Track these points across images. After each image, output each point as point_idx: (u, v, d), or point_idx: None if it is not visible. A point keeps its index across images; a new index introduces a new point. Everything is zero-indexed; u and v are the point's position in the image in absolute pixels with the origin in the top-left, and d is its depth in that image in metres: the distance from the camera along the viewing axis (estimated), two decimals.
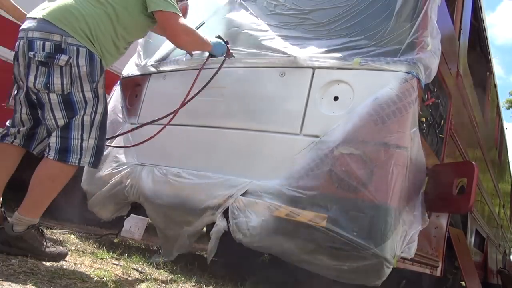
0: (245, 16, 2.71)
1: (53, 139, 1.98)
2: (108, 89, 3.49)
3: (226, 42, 2.58)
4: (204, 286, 2.23)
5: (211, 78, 2.57)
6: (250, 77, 2.57)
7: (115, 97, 3.43)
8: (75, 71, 1.95)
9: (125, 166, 2.94)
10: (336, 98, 2.23)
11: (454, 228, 3.56)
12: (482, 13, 4.24)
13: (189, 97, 2.55)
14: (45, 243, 2.04)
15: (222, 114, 2.60)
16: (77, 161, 1.98)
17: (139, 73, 3.31)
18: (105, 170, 3.06)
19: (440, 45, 2.27)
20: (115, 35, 2.10)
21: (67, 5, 1.97)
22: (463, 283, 4.13)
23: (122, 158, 3.02)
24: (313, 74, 2.32)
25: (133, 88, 3.31)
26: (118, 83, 3.46)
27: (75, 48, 1.94)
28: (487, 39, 4.67)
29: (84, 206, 3.34)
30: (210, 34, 2.89)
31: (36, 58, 1.91)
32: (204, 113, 2.69)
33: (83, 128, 1.99)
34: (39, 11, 2.00)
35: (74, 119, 1.97)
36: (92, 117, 2.02)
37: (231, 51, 2.58)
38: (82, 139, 1.98)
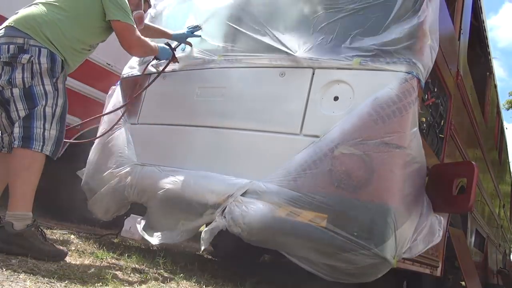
0: (245, 16, 2.71)
1: (16, 130, 2.08)
2: (108, 89, 3.53)
3: (173, 49, 2.84)
4: (204, 286, 2.23)
5: (152, 81, 2.92)
6: (250, 77, 2.57)
7: (115, 97, 3.43)
8: (36, 68, 2.11)
9: (125, 166, 2.94)
10: (336, 98, 2.23)
11: (454, 228, 3.56)
12: (482, 13, 4.24)
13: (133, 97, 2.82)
14: (45, 242, 2.06)
15: (222, 114, 2.60)
16: (40, 148, 2.07)
17: (139, 73, 3.31)
18: (105, 170, 3.06)
19: (438, 44, 2.27)
20: (76, 39, 2.28)
21: (31, 12, 2.19)
22: (463, 283, 4.13)
23: (122, 158, 3.02)
24: (313, 74, 2.32)
25: (133, 88, 3.31)
26: (118, 83, 3.47)
27: (36, 48, 2.11)
28: (487, 39, 4.67)
29: (84, 206, 3.34)
30: (209, 34, 2.90)
31: (1, 60, 2.09)
32: (204, 113, 2.69)
33: (45, 118, 2.11)
34: (8, 20, 2.20)
35: (36, 109, 2.09)
36: (53, 109, 2.14)
37: (176, 56, 2.85)
38: (44, 129, 2.10)
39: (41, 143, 2.08)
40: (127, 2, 2.41)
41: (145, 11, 2.83)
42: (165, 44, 2.83)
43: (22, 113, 2.09)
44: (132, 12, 2.47)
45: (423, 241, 2.31)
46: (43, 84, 2.12)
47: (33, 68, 2.09)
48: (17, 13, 2.23)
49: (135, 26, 2.43)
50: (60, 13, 2.21)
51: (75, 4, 2.28)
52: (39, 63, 2.10)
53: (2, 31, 2.15)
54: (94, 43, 2.45)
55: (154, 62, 3.04)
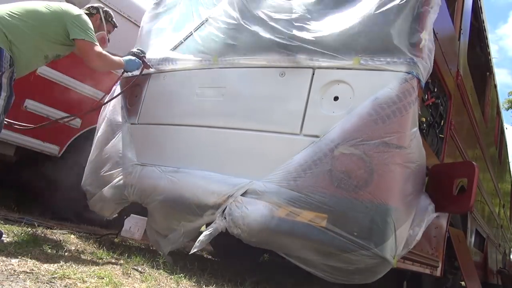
0: (245, 16, 2.71)
1: None
2: (108, 89, 3.53)
3: (141, 57, 2.94)
4: (204, 286, 2.23)
5: (128, 86, 3.02)
6: (250, 77, 2.57)
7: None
8: None
9: (125, 166, 2.94)
10: (336, 98, 2.23)
11: (454, 228, 3.56)
12: (482, 13, 4.25)
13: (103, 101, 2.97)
14: None
15: (222, 114, 2.60)
16: None
17: (138, 73, 3.31)
18: (106, 170, 3.06)
19: (439, 45, 2.27)
20: (38, 48, 2.52)
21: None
22: (463, 283, 4.13)
23: (122, 158, 3.02)
24: (313, 74, 2.32)
25: (133, 88, 3.31)
26: (118, 83, 3.47)
27: None
28: (487, 39, 4.67)
29: (84, 206, 3.35)
30: (210, 34, 2.90)
31: None
32: (204, 113, 2.69)
33: None
34: None
35: None
36: None
37: (147, 63, 2.96)
38: None
39: None
40: (90, 23, 2.63)
41: (109, 32, 3.01)
42: (132, 54, 2.95)
43: None
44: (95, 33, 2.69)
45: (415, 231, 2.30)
46: None
47: None
48: None
49: (96, 43, 2.63)
50: (22, 19, 2.44)
51: (38, 16, 2.50)
52: None
53: None
54: (50, 54, 2.62)
55: (126, 74, 3.09)
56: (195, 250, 2.36)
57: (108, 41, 3.05)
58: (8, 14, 2.42)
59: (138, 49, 3.05)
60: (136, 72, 3.08)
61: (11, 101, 2.39)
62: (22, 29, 2.42)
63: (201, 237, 2.34)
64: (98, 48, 2.64)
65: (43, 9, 2.54)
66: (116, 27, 3.14)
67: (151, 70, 3.14)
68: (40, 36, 2.50)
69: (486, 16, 4.38)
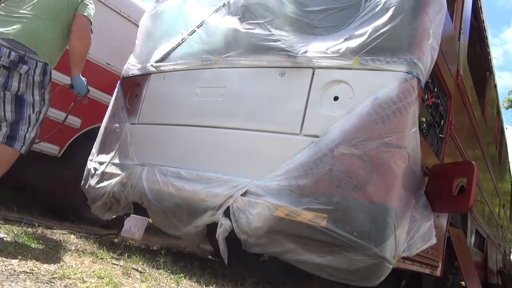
0: (245, 16, 2.71)
1: (4, 128, 2.39)
2: (111, 89, 3.53)
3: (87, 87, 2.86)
4: (204, 286, 2.23)
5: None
6: (250, 77, 2.57)
7: (114, 97, 3.44)
8: (31, 79, 2.41)
9: (125, 166, 2.94)
10: (336, 98, 2.23)
11: (454, 228, 3.56)
12: (482, 13, 4.24)
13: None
14: None
15: (222, 114, 2.60)
16: (19, 148, 2.42)
17: (139, 73, 3.31)
18: (106, 170, 3.06)
19: (439, 45, 2.27)
20: (59, 51, 2.63)
21: (31, 28, 2.45)
22: (463, 283, 4.13)
23: (122, 158, 3.02)
24: (313, 74, 2.32)
25: (133, 88, 3.31)
26: (118, 83, 3.47)
27: (34, 61, 2.41)
28: (487, 39, 4.66)
29: (84, 206, 3.35)
30: (210, 34, 2.89)
31: (0, 62, 2.32)
32: (204, 113, 2.69)
33: (29, 123, 2.44)
34: (4, 32, 2.41)
35: (23, 114, 2.41)
36: (37, 116, 2.48)
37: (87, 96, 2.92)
38: (27, 131, 2.43)
39: (22, 144, 2.42)
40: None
41: None
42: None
43: (9, 115, 2.38)
44: None
45: (422, 240, 2.31)
46: (33, 95, 2.44)
47: (28, 79, 2.39)
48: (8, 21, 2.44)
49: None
50: (51, 29, 2.51)
51: (59, 15, 2.56)
52: (34, 75, 2.40)
53: (3, 41, 2.37)
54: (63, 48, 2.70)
55: (73, 90, 2.83)
56: (226, 258, 2.38)
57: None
58: (45, 25, 2.49)
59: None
60: None
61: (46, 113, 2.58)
62: (56, 41, 2.55)
63: (220, 247, 2.34)
64: (89, 29, 2.69)
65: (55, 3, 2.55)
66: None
67: (152, 69, 3.14)
68: (62, 38, 2.60)
69: (486, 16, 4.38)
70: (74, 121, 3.67)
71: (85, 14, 2.60)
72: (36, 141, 2.74)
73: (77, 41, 2.62)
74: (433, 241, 2.45)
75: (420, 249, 2.32)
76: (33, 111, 2.44)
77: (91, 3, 2.70)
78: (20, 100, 2.40)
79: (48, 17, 2.51)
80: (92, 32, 2.75)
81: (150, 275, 2.17)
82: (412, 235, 2.22)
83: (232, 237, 2.32)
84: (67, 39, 2.63)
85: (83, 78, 2.81)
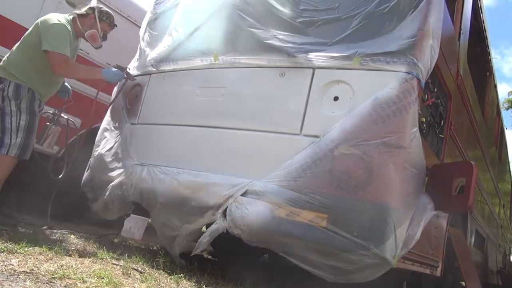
0: (245, 16, 2.71)
1: None
2: (107, 88, 3.54)
3: (124, 68, 3.17)
4: (204, 286, 2.23)
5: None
6: (250, 77, 2.57)
7: (115, 97, 3.44)
8: (5, 94, 2.80)
9: (125, 166, 2.94)
10: (336, 98, 2.23)
11: (454, 228, 3.56)
12: (482, 13, 4.24)
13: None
14: None
15: (222, 114, 2.60)
16: (5, 152, 2.73)
17: (139, 73, 3.31)
18: (106, 170, 3.06)
19: (439, 45, 2.27)
20: (38, 73, 2.88)
21: (8, 58, 2.87)
22: (463, 283, 4.13)
23: (122, 158, 3.02)
24: (313, 74, 2.32)
25: (133, 88, 3.31)
26: (118, 85, 3.47)
27: (7, 81, 2.81)
28: (487, 39, 4.67)
29: (84, 206, 3.34)
30: (211, 34, 2.90)
31: None
32: (204, 113, 2.69)
33: (11, 129, 2.78)
34: None
35: (5, 123, 2.78)
36: (17, 123, 2.79)
37: (131, 75, 3.17)
38: (10, 138, 2.76)
39: (7, 149, 2.73)
40: (61, 32, 2.86)
41: (105, 31, 3.16)
42: (115, 67, 3.16)
43: None
44: (86, 31, 3.03)
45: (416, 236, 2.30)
46: (10, 106, 2.80)
47: (3, 94, 2.79)
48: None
49: (63, 53, 2.86)
50: (26, 55, 2.85)
51: (32, 41, 2.84)
52: (7, 91, 2.79)
53: None
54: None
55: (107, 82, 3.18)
56: (196, 251, 2.36)
57: (105, 39, 3.17)
58: (13, 52, 2.87)
59: (118, 65, 3.25)
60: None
61: (35, 119, 2.86)
62: (26, 65, 2.85)
63: (201, 239, 2.34)
64: (62, 56, 2.85)
65: (30, 34, 2.88)
66: (114, 26, 3.22)
67: (152, 69, 3.14)
68: (36, 64, 2.86)
69: (486, 16, 4.38)
70: (75, 120, 3.67)
71: (47, 49, 2.81)
72: (42, 145, 3.14)
73: (60, 75, 3.01)
74: (417, 237, 2.41)
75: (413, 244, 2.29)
76: (13, 120, 2.79)
77: (46, 31, 2.82)
78: (2, 114, 2.79)
79: (21, 47, 2.88)
80: (99, 39, 3.08)
81: (150, 275, 2.18)
82: (412, 234, 2.21)
83: (232, 237, 2.32)
84: (46, 63, 2.88)
85: (112, 69, 3.16)
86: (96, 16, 3.07)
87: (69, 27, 2.94)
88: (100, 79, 3.12)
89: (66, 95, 3.29)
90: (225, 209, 2.30)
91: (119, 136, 3.15)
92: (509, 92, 23.17)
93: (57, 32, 2.85)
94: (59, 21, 2.88)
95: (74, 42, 3.06)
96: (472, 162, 2.44)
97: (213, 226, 2.31)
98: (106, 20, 3.13)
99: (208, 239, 2.32)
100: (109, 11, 3.17)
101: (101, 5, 3.18)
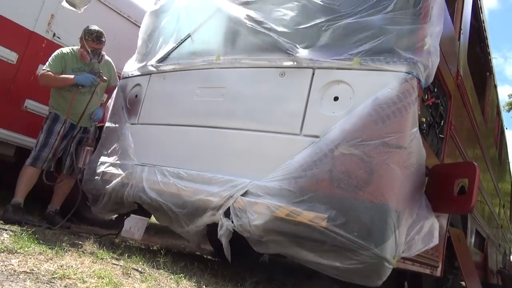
0: (245, 16, 2.71)
1: None
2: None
3: (97, 73, 3.32)
4: (204, 286, 2.23)
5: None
6: (250, 77, 2.57)
7: (115, 97, 3.44)
8: None
9: (125, 167, 2.94)
10: (336, 98, 2.23)
11: (454, 228, 3.56)
12: (482, 13, 4.24)
13: None
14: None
15: (222, 114, 2.60)
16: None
17: (139, 73, 3.31)
18: (106, 170, 3.06)
19: (439, 45, 2.27)
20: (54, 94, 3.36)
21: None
22: (463, 283, 4.13)
23: (123, 158, 3.02)
24: (313, 74, 2.32)
25: (133, 88, 3.31)
26: (119, 83, 3.47)
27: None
28: (487, 39, 4.66)
29: (84, 206, 3.34)
30: (211, 34, 2.89)
31: None
32: (204, 113, 2.69)
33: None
34: None
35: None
36: (38, 139, 3.25)
37: (103, 77, 3.35)
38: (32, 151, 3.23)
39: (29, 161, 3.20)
40: (54, 55, 3.29)
41: (92, 47, 3.31)
42: (88, 72, 3.33)
43: None
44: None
45: (422, 241, 2.31)
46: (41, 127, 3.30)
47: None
48: None
49: (45, 69, 3.24)
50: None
51: None
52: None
53: None
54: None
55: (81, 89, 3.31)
56: (229, 257, 2.36)
57: (97, 54, 3.36)
58: None
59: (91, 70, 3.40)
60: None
61: (49, 135, 3.23)
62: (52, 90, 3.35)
63: (225, 248, 2.34)
64: (43, 71, 3.24)
65: None
66: (101, 42, 3.36)
67: (152, 69, 3.14)
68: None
69: (486, 16, 4.38)
70: None
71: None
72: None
73: (42, 86, 3.32)
74: (435, 242, 2.44)
75: (421, 251, 2.31)
76: (37, 138, 3.26)
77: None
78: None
79: None
80: (88, 56, 3.31)
81: (150, 275, 2.17)
82: (413, 236, 2.21)
83: (232, 237, 2.32)
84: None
85: (86, 74, 3.33)
86: (83, 37, 3.33)
87: (66, 51, 3.33)
88: (73, 83, 3.26)
89: (96, 119, 3.44)
90: (226, 209, 2.30)
91: (119, 136, 3.15)
92: (509, 95, 23.12)
93: (51, 56, 3.30)
94: (61, 49, 3.36)
95: (77, 63, 3.35)
96: (475, 163, 2.44)
97: (221, 231, 2.30)
98: (89, 38, 3.31)
99: (227, 243, 2.33)
100: (94, 28, 3.33)
101: (89, 25, 3.37)
